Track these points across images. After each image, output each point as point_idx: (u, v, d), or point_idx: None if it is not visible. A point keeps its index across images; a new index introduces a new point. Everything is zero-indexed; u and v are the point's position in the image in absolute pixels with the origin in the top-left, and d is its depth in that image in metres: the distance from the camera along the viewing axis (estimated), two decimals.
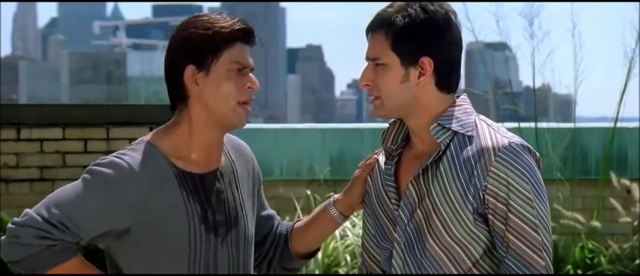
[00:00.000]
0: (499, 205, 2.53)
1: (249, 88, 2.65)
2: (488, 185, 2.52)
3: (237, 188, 2.74)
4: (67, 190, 2.62)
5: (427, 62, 2.58)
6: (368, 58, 2.64)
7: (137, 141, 2.68)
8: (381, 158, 2.76)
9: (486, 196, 2.53)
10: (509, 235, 2.52)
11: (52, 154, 7.01)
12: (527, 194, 2.52)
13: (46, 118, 7.07)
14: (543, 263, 2.52)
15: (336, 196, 2.87)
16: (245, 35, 2.65)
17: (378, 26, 2.62)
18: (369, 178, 2.79)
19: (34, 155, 7.02)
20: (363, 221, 2.82)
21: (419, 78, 2.59)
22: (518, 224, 2.52)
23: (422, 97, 2.60)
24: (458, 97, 2.66)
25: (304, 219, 2.95)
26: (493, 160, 2.53)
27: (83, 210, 2.58)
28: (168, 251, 2.62)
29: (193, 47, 2.62)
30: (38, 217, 2.57)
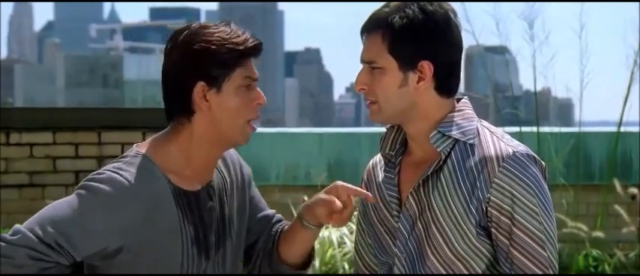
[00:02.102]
0: (503, 218, 2.39)
1: (257, 103, 2.56)
2: (492, 197, 2.39)
3: (226, 203, 2.63)
4: (63, 206, 2.46)
5: (427, 66, 2.45)
6: (363, 61, 2.50)
7: (132, 152, 2.54)
8: (378, 164, 2.62)
9: (489, 208, 2.40)
10: (513, 250, 2.40)
11: (42, 159, 6.88)
12: (533, 207, 2.39)
13: (36, 121, 6.94)
14: None
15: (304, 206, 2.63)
16: (256, 51, 2.55)
17: (373, 27, 2.47)
18: (364, 187, 2.63)
19: (23, 160, 6.89)
20: (357, 233, 2.68)
21: (418, 83, 2.46)
22: (523, 239, 2.39)
23: (421, 103, 2.47)
24: (458, 100, 2.53)
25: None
26: (497, 170, 2.40)
27: (80, 229, 2.43)
28: (159, 273, 2.50)
29: (206, 64, 2.49)
30: (33, 237, 2.41)
